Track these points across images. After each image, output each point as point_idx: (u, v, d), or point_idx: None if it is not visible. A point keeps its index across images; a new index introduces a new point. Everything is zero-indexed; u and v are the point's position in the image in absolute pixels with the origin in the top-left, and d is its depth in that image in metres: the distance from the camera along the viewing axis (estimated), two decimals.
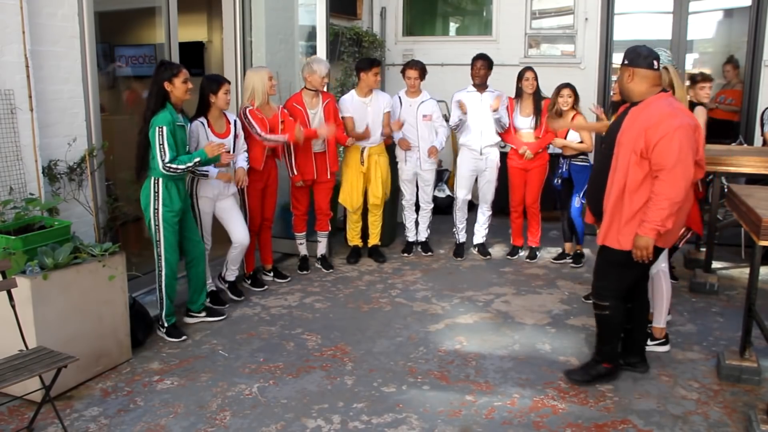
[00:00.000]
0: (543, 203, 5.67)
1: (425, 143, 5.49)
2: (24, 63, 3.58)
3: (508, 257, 5.77)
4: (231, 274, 4.67)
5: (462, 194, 5.72)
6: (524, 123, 5.42)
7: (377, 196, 5.46)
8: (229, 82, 4.29)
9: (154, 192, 3.84)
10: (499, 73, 7.28)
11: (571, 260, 5.55)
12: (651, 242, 3.07)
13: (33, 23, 3.65)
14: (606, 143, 3.37)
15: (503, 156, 5.67)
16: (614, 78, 5.00)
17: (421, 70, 5.40)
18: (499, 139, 5.54)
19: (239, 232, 4.47)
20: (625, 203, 3.15)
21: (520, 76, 5.40)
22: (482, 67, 5.42)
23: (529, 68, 5.41)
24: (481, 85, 5.47)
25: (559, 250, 5.73)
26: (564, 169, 5.21)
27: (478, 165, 5.57)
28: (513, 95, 5.52)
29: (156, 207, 3.85)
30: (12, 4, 3.51)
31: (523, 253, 5.79)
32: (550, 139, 5.30)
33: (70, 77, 3.94)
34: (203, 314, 4.28)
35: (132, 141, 3.92)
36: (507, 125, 5.42)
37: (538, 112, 5.35)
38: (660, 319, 3.83)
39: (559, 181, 5.28)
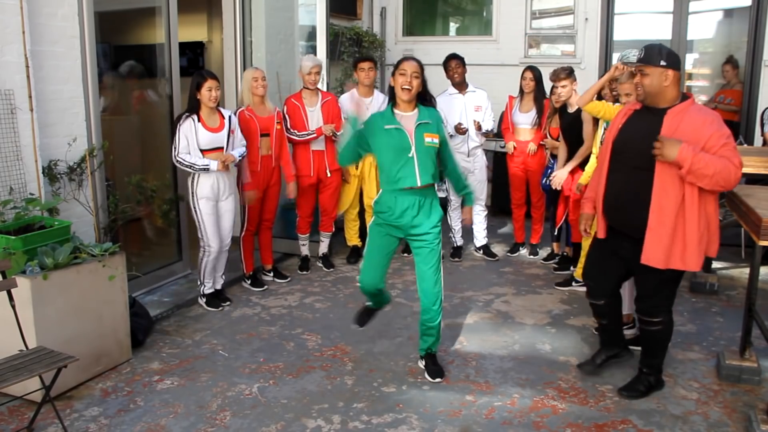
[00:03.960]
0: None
1: None
2: (24, 63, 3.58)
3: (509, 254, 5.80)
4: (218, 283, 4.63)
5: (455, 196, 5.73)
6: (523, 119, 5.46)
7: (372, 197, 5.46)
8: (215, 78, 4.22)
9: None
10: (499, 73, 7.28)
11: (555, 263, 5.45)
12: (673, 156, 2.85)
13: (33, 23, 3.65)
14: (622, 151, 3.15)
15: (504, 156, 5.68)
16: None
17: None
18: (485, 139, 5.58)
19: (225, 234, 4.48)
20: (687, 222, 2.97)
21: (522, 75, 5.48)
22: (458, 65, 5.46)
23: (530, 68, 5.43)
24: (460, 84, 5.48)
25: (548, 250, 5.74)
26: None
27: (466, 166, 5.58)
28: (515, 94, 5.60)
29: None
30: (12, 4, 3.51)
31: (524, 251, 5.82)
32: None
33: (70, 77, 3.94)
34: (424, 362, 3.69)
35: (132, 142, 3.92)
36: (490, 129, 5.49)
37: (539, 111, 5.36)
38: (625, 306, 3.80)
39: (549, 181, 5.25)
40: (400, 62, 3.36)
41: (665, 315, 3.25)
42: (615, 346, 3.60)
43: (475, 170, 5.61)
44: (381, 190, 3.51)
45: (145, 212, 4.71)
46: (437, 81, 6.42)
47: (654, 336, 3.31)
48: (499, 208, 7.18)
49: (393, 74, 3.37)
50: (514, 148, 5.51)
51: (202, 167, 4.17)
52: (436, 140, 3.37)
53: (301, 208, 5.27)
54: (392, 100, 3.41)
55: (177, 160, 4.18)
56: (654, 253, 3.04)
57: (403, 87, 3.29)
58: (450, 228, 5.83)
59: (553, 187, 4.98)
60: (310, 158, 5.09)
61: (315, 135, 5.01)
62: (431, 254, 3.43)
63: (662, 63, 3.00)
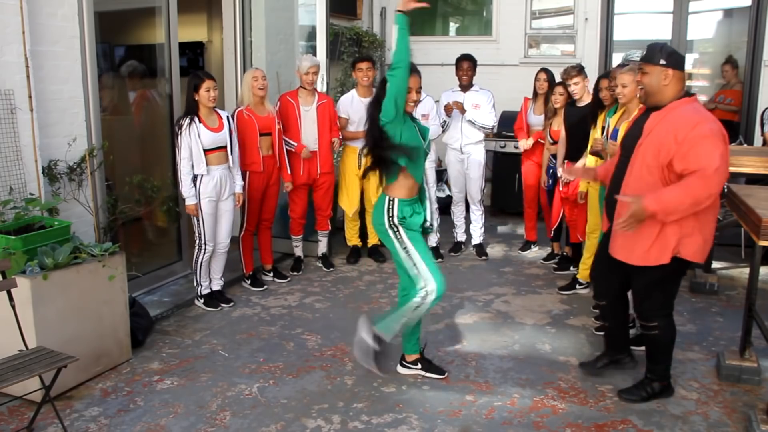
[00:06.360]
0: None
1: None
2: (24, 63, 3.58)
3: (520, 251, 5.84)
4: (217, 284, 4.61)
5: (456, 192, 5.79)
6: (537, 120, 5.50)
7: (373, 197, 5.46)
8: (212, 79, 4.23)
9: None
10: (499, 73, 7.29)
11: (555, 263, 5.47)
12: (644, 216, 2.82)
13: (33, 23, 3.65)
14: (624, 151, 3.21)
15: (504, 156, 5.69)
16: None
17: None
18: (482, 136, 5.59)
19: (223, 235, 4.48)
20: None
21: (535, 77, 5.50)
22: (469, 68, 5.48)
23: (543, 70, 5.47)
24: (466, 87, 5.52)
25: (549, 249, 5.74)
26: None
27: (461, 164, 5.62)
28: (515, 94, 5.62)
29: None
30: (12, 4, 3.51)
31: (535, 248, 5.86)
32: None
33: (70, 77, 3.94)
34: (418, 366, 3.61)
35: (132, 142, 3.92)
36: (489, 126, 5.50)
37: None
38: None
39: (551, 181, 5.25)
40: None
41: (661, 320, 3.19)
42: (618, 351, 3.57)
43: (469, 168, 5.62)
44: (395, 200, 3.30)
45: (145, 212, 4.70)
46: (436, 82, 6.41)
47: (652, 340, 3.28)
48: (498, 208, 7.19)
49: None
50: (525, 151, 5.56)
51: (184, 192, 4.22)
52: None
53: (294, 209, 5.26)
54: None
55: (179, 168, 4.22)
56: (613, 244, 3.16)
57: (413, 101, 3.26)
58: (453, 224, 5.85)
59: (564, 179, 4.90)
60: (301, 159, 5.08)
61: (295, 149, 5.00)
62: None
63: (662, 62, 2.98)
